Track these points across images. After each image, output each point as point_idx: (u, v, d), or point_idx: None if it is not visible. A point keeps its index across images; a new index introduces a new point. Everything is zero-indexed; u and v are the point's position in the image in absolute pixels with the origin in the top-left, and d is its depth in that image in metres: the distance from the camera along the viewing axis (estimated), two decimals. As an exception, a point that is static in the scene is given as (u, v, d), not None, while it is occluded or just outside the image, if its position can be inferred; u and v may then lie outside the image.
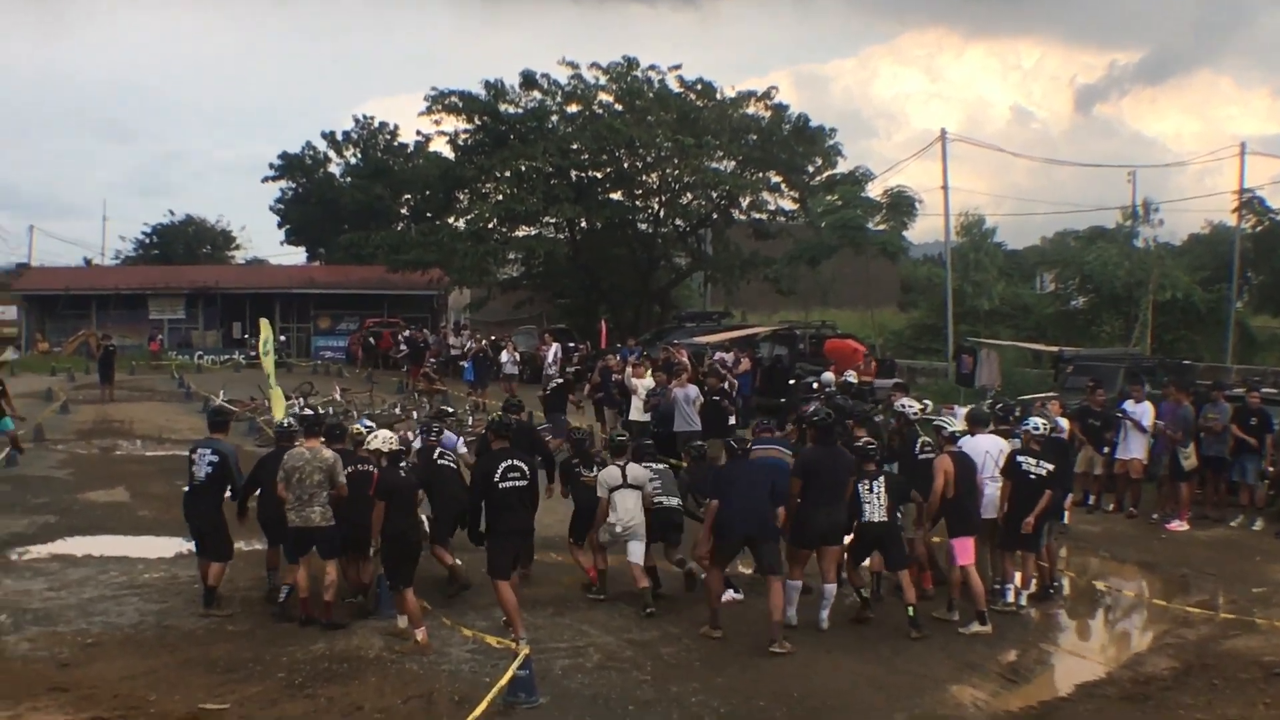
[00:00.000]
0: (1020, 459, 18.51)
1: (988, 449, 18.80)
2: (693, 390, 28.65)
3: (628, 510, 18.52)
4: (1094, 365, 34.97)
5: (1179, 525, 25.02)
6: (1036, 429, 19.31)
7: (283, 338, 41.75)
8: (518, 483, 16.92)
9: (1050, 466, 18.52)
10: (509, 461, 16.94)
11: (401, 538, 16.50)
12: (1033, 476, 18.30)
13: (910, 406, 21.73)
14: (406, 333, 67.50)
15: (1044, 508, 18.31)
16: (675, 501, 19.14)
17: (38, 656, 16.07)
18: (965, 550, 17.56)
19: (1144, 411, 26.02)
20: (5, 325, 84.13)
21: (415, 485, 17.43)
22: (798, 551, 17.64)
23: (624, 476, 18.68)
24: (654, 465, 19.57)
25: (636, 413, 30.28)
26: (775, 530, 17.01)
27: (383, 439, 17.44)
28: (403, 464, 17.66)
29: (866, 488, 17.40)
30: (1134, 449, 26.06)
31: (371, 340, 71.13)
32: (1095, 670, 16.12)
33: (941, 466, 17.77)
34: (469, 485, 18.17)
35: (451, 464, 19.65)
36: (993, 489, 18.50)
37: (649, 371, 31.37)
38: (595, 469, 19.58)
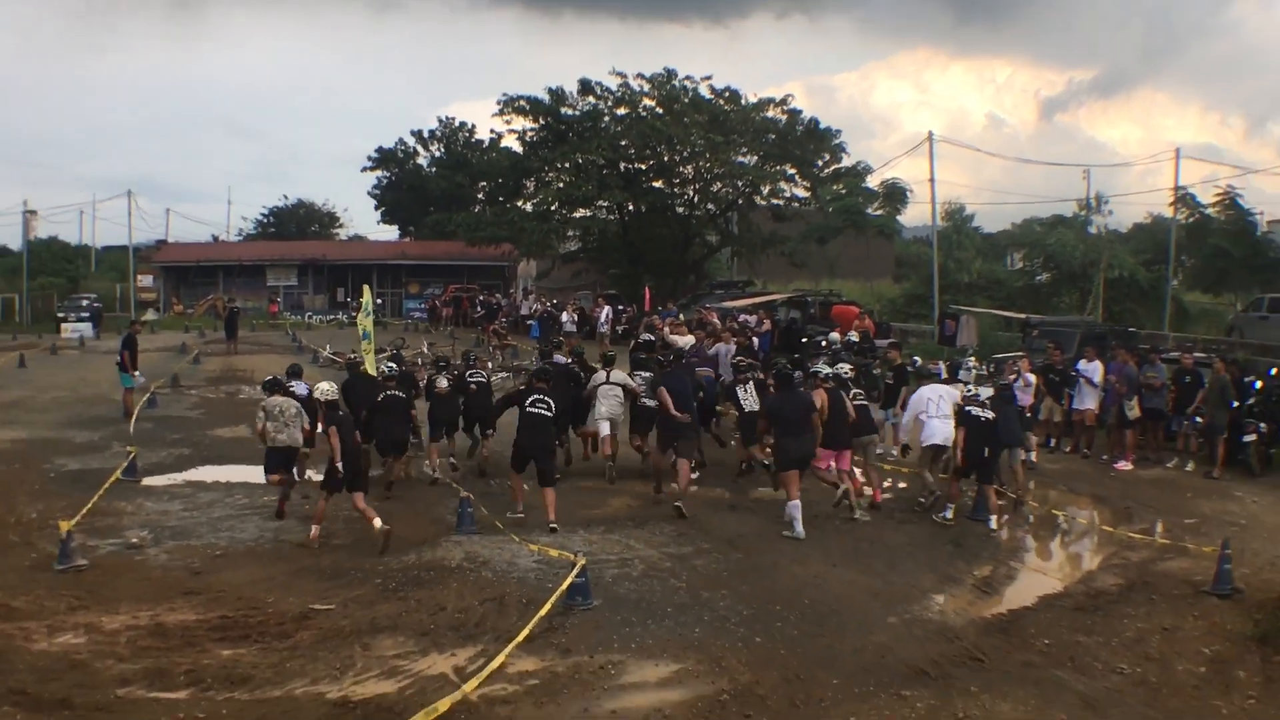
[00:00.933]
0: (969, 408, 19.81)
1: (935, 395, 20.74)
2: (731, 346, 28.70)
3: (608, 403, 22.11)
4: (1055, 330, 35.04)
5: (1125, 465, 25.11)
6: (968, 381, 22.95)
7: (379, 301, 41.80)
8: (542, 411, 18.95)
9: (992, 415, 19.69)
10: (538, 396, 19.14)
11: (352, 454, 17.70)
12: (981, 420, 19.53)
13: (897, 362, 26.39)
14: (481, 297, 67.82)
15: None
16: (654, 403, 21.09)
17: (174, 565, 16.29)
18: (842, 459, 19.89)
19: (1095, 370, 26.32)
20: (145, 291, 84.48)
21: (353, 423, 18.90)
22: (785, 475, 18.93)
23: (608, 379, 22.29)
24: (644, 375, 22.39)
25: None
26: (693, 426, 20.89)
27: (322, 390, 18.80)
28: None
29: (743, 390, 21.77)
30: (1087, 401, 26.44)
31: (444, 305, 71.48)
32: (1054, 585, 16.17)
33: (818, 397, 19.42)
34: (503, 400, 21.89)
35: (482, 380, 23.80)
36: (943, 425, 20.33)
37: (688, 330, 31.51)
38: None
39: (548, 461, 18.95)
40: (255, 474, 22.12)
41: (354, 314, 54.74)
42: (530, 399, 19.15)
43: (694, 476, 21.27)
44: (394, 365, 23.66)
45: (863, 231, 57.64)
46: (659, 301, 51.40)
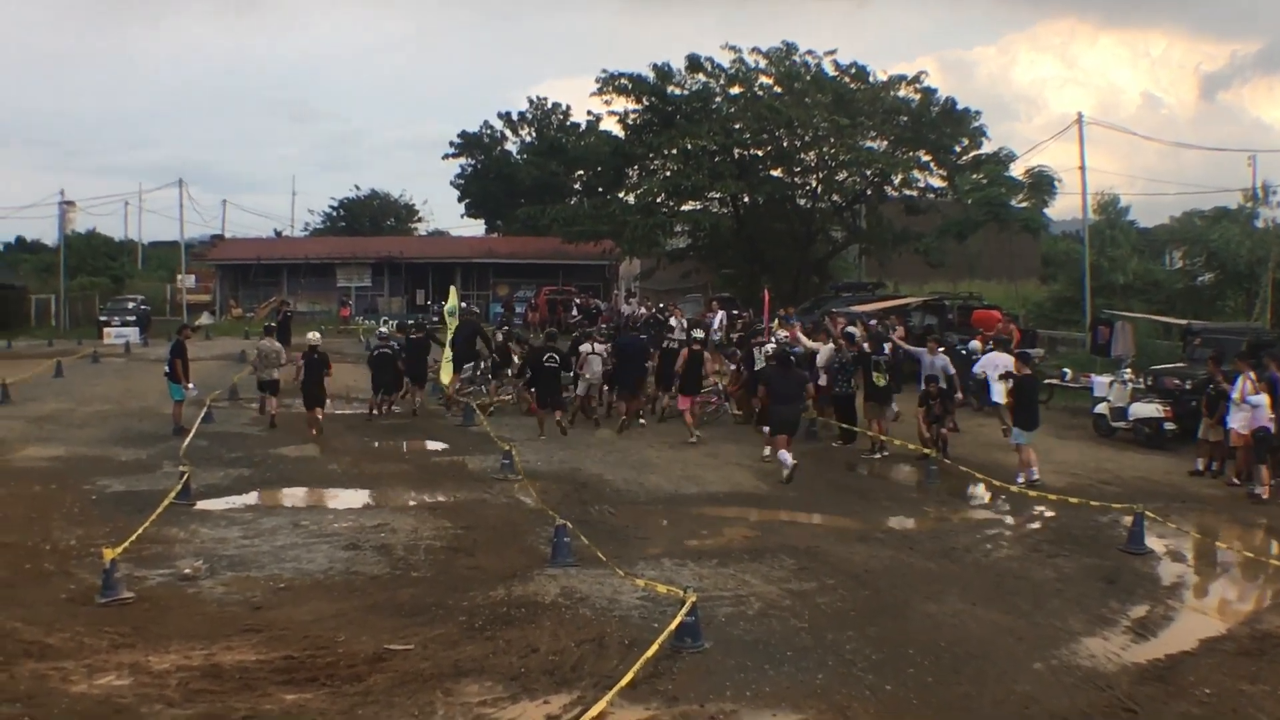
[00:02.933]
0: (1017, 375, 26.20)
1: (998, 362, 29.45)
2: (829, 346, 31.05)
3: (593, 369, 32.58)
4: (1219, 338, 34.40)
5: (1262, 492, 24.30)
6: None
7: (463, 304, 41.96)
8: (552, 365, 31.27)
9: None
10: (550, 354, 31.41)
11: (310, 391, 31.46)
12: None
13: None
14: (578, 300, 67.94)
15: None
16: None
17: (231, 599, 16.13)
18: (683, 401, 31.27)
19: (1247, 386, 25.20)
20: (192, 293, 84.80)
21: (323, 363, 32.04)
22: (775, 438, 25.77)
23: (593, 349, 32.68)
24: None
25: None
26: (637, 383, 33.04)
27: (311, 337, 32.85)
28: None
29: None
30: (1235, 419, 25.33)
31: (532, 309, 71.62)
32: (1216, 627, 15.86)
33: (681, 357, 31.37)
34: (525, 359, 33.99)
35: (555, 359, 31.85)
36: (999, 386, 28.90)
37: (829, 339, 31.75)
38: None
39: (560, 399, 32.03)
40: (323, 498, 22.31)
41: (436, 319, 54.93)
42: (544, 355, 31.40)
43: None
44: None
45: (1006, 226, 56.84)
46: (779, 304, 51.15)
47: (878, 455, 28.51)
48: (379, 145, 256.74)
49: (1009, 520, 20.98)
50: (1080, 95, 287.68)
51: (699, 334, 33.57)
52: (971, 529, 19.64)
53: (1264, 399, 24.48)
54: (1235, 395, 25.05)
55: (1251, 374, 24.84)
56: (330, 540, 19.62)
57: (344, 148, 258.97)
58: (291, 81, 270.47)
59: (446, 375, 35.33)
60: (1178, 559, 19.57)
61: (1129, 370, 33.22)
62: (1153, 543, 19.74)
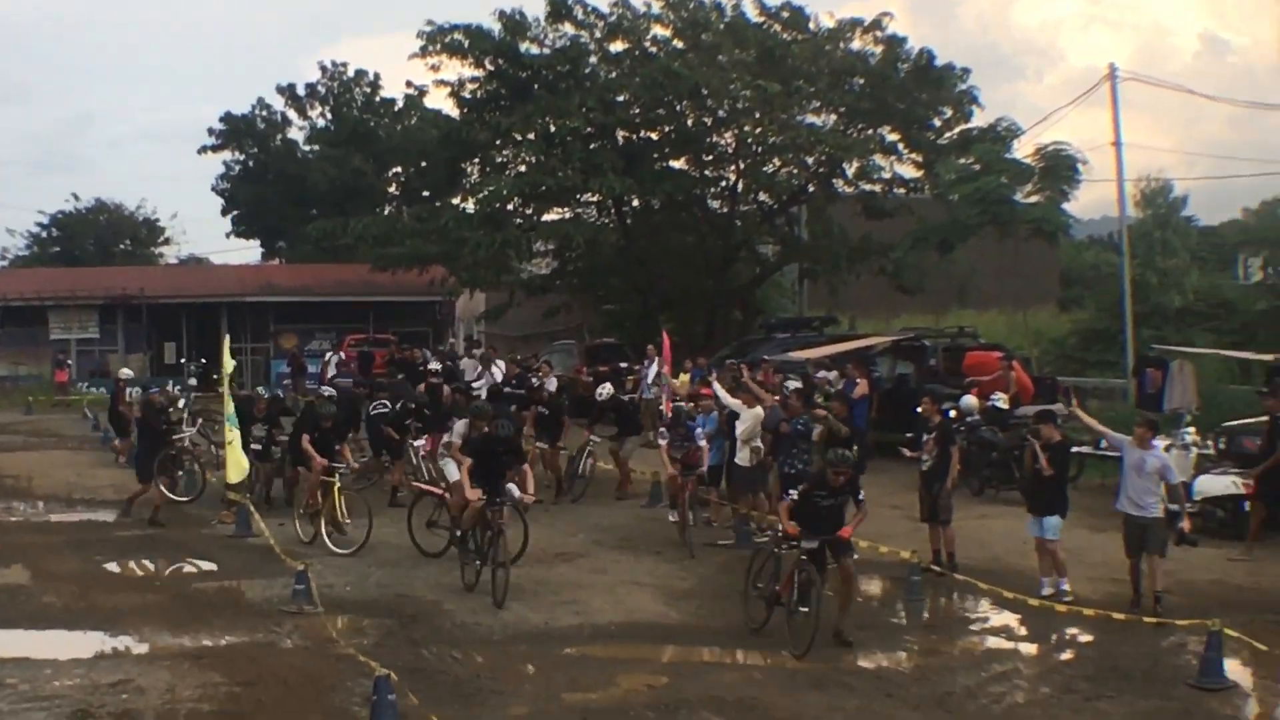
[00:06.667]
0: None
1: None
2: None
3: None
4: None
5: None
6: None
7: (234, 362, 41.29)
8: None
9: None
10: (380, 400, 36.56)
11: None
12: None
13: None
14: (400, 354, 67.81)
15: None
16: None
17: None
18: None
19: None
20: None
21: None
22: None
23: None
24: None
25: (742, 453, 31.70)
26: None
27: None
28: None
29: None
30: None
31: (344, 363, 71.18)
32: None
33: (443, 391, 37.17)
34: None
35: None
36: None
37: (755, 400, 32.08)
38: None
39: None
40: (38, 644, 22.15)
41: (193, 382, 54.77)
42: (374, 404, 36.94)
43: None
44: None
45: (1010, 231, 56.28)
46: (687, 352, 50.97)
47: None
48: (110, 136, 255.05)
49: (1029, 649, 21.09)
50: (1113, 40, 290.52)
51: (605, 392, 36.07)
52: (975, 664, 19.73)
53: None
54: None
55: None
56: (49, 707, 19.26)
57: (60, 140, 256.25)
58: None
59: (236, 469, 33.16)
60: (1274, 694, 19.75)
61: (1191, 430, 33.49)
62: (1236, 673, 19.82)
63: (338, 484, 30.63)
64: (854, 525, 22.46)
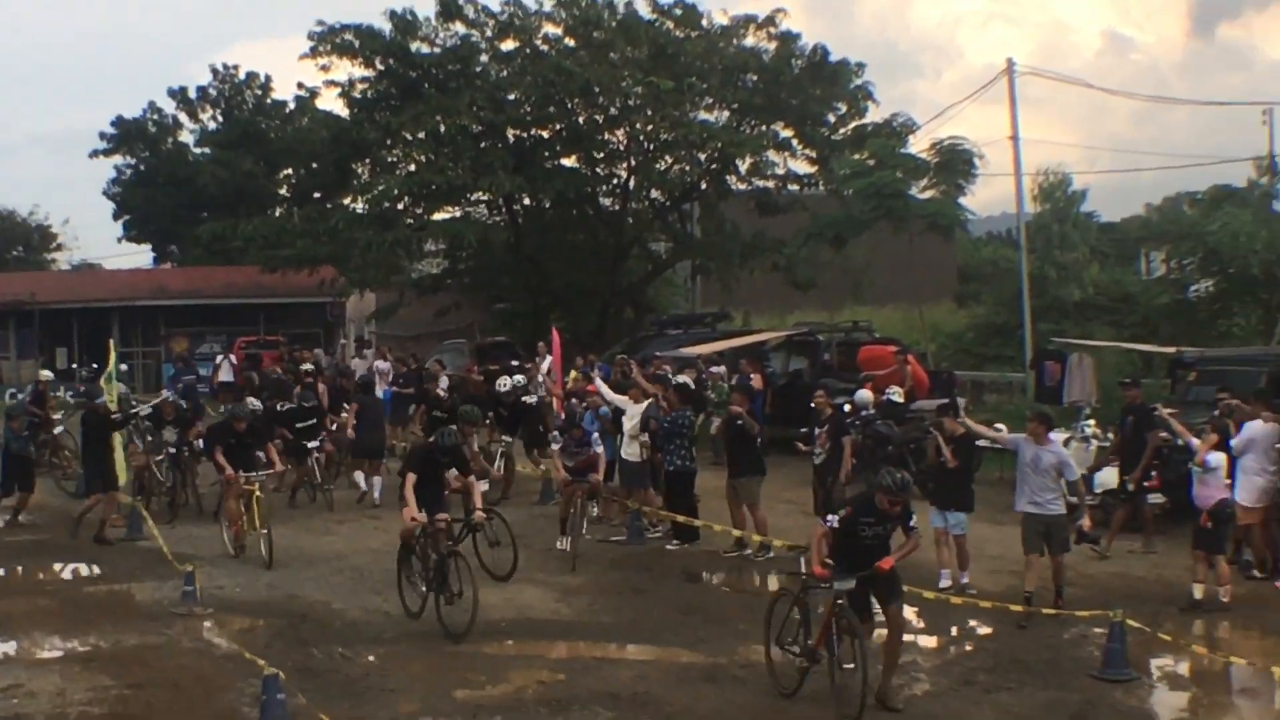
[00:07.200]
0: None
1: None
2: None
3: None
4: (1226, 369, 34.50)
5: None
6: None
7: (124, 366, 40.80)
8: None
9: None
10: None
11: None
12: None
13: None
14: (291, 354, 67.19)
15: None
16: None
17: None
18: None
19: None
20: None
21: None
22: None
23: None
24: None
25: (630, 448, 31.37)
26: None
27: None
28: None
29: None
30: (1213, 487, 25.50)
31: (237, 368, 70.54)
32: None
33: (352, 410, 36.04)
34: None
35: None
36: None
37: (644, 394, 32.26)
38: None
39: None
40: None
41: (83, 388, 53.98)
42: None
43: None
44: None
45: (904, 226, 56.14)
46: (578, 350, 50.85)
47: (752, 556, 28.81)
48: (0, 142, 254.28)
49: (928, 642, 21.21)
50: (1013, 37, 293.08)
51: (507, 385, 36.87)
52: (873, 656, 19.33)
53: (1223, 460, 24.61)
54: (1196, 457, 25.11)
55: (1211, 427, 25.11)
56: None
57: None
58: None
59: (121, 473, 33.24)
60: (1178, 685, 19.59)
61: (1091, 422, 33.29)
62: (1140, 664, 19.80)
63: (257, 493, 29.57)
64: (899, 555, 19.07)
